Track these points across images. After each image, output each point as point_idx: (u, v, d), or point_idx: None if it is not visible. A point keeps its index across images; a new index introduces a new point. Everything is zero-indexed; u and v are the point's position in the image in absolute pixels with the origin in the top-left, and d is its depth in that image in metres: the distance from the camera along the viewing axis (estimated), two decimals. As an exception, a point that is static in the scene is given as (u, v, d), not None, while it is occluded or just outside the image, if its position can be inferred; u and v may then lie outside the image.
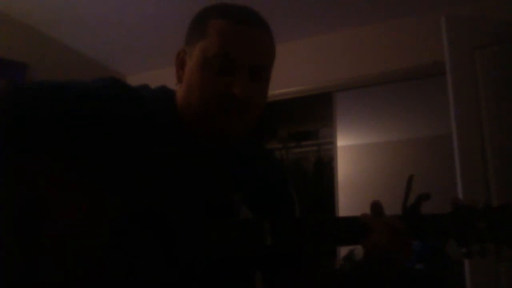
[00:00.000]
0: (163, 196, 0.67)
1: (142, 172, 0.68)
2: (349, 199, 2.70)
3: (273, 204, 0.83)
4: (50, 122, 0.65)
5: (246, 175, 0.81)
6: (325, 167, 3.55)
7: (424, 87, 2.66)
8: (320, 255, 0.80)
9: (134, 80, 3.36)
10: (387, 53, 2.60)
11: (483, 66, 1.93)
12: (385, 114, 2.91)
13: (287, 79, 2.78)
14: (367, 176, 2.84)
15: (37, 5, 2.58)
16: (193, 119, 0.75)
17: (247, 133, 0.78)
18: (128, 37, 2.93)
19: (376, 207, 0.71)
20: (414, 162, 2.71)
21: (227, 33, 0.72)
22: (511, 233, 0.69)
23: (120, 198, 0.65)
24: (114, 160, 0.67)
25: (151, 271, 0.63)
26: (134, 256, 0.63)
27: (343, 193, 2.71)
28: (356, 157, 2.93)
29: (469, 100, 1.91)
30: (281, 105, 2.92)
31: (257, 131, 0.81)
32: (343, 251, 2.68)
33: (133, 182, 0.67)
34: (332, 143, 2.92)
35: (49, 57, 2.89)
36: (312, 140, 3.71)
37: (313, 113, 3.51)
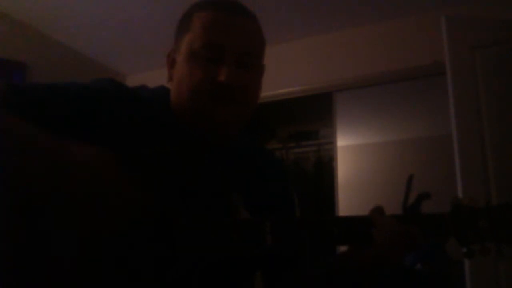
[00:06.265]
0: (163, 196, 0.67)
1: (141, 172, 0.68)
2: (349, 199, 2.70)
3: (273, 204, 0.83)
4: (48, 123, 0.65)
5: (246, 175, 0.81)
6: (325, 167, 3.55)
7: (424, 87, 2.66)
8: (320, 255, 0.80)
9: (134, 80, 3.36)
10: (387, 53, 2.60)
11: (483, 66, 1.93)
12: (385, 114, 2.90)
13: (287, 79, 2.78)
14: (367, 176, 2.83)
15: (37, 5, 2.58)
16: (185, 112, 0.75)
17: (241, 124, 0.78)
18: (128, 37, 2.93)
19: (377, 209, 0.71)
20: (414, 162, 2.71)
21: (211, 22, 0.73)
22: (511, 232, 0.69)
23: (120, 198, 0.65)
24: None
25: (151, 271, 0.63)
26: (134, 256, 0.63)
27: (343, 193, 2.71)
28: (356, 157, 2.92)
29: (469, 100, 1.91)
30: (281, 105, 2.92)
31: (257, 131, 0.81)
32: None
33: (132, 183, 0.67)
34: (332, 143, 2.92)
35: (49, 57, 2.89)
36: (312, 140, 3.71)
37: (313, 113, 3.51)
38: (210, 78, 0.72)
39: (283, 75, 2.74)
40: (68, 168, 0.55)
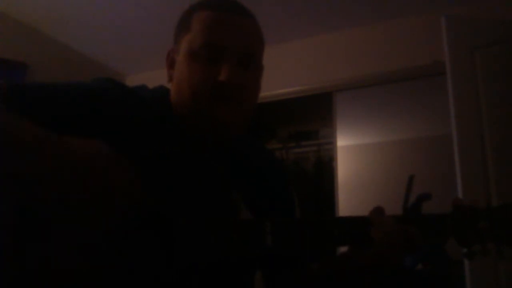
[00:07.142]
0: (163, 196, 0.67)
1: (141, 172, 0.68)
2: (349, 199, 2.71)
3: (273, 204, 0.83)
4: (48, 123, 0.65)
5: (246, 175, 0.81)
6: (325, 167, 3.55)
7: (424, 87, 2.66)
8: (321, 255, 0.80)
9: (134, 80, 3.37)
10: (387, 53, 2.60)
11: (483, 66, 1.93)
12: (385, 114, 2.91)
13: (287, 79, 2.78)
14: (367, 176, 2.84)
15: (37, 5, 2.58)
16: (185, 112, 0.75)
17: (242, 124, 0.78)
18: (128, 37, 2.93)
19: (377, 210, 0.71)
20: (414, 162, 2.71)
21: (211, 22, 0.73)
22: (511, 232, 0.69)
23: (120, 198, 0.65)
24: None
25: (151, 271, 0.63)
26: (134, 256, 0.63)
27: (343, 193, 2.71)
28: (356, 157, 2.93)
29: (469, 100, 1.91)
30: (281, 105, 2.92)
31: (257, 131, 0.81)
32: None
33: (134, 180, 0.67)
34: (332, 143, 2.92)
35: (49, 57, 2.89)
36: (312, 140, 3.71)
37: (313, 113, 3.51)
38: (211, 78, 0.71)
39: (283, 75, 2.74)
40: (71, 166, 0.54)
